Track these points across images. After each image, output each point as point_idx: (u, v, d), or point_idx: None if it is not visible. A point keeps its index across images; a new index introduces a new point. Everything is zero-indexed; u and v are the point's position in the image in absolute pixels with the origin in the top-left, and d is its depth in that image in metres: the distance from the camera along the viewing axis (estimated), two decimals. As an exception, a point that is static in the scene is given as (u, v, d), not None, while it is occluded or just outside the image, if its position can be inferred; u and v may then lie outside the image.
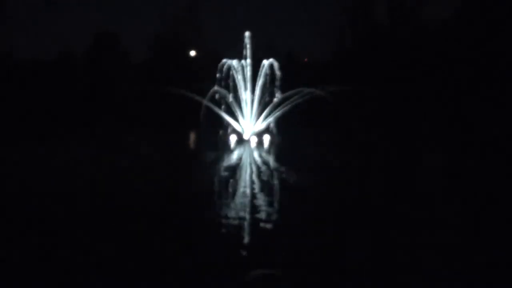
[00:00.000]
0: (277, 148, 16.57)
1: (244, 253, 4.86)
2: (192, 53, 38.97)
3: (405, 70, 30.99)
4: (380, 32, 35.04)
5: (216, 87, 19.93)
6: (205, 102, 19.63)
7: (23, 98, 32.02)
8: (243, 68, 20.37)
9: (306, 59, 40.20)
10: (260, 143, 17.67)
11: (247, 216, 6.37)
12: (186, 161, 13.41)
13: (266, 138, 18.99)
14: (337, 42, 36.75)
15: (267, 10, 71.86)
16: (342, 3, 35.64)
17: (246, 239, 5.40)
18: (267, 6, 74.10)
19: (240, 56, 20.54)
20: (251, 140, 18.28)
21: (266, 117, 19.92)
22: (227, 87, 20.20)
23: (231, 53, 21.32)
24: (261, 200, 7.44)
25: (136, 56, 45.29)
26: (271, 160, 13.34)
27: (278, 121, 19.92)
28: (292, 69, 25.14)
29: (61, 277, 4.15)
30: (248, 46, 20.34)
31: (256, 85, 20.29)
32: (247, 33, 20.49)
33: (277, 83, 19.96)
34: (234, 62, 20.38)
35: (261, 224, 5.91)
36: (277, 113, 19.86)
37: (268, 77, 20.12)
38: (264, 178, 9.70)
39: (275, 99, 19.73)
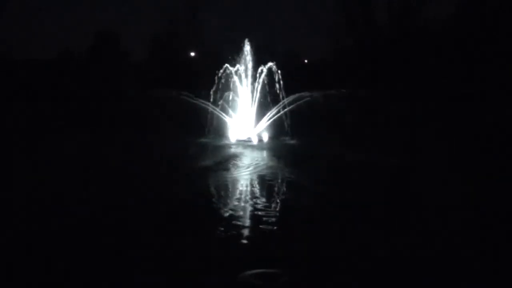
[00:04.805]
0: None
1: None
2: (192, 53, 39.04)
3: (405, 70, 31.06)
4: (380, 32, 35.14)
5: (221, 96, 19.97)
6: (211, 106, 19.64)
7: (22, 98, 32.07)
8: (242, 72, 20.49)
9: (306, 61, 40.30)
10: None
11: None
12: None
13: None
14: (336, 41, 36.84)
15: (267, 9, 72.00)
16: (342, 3, 35.76)
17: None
18: (267, 5, 74.27)
19: (239, 61, 20.69)
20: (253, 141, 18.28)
21: (267, 121, 19.94)
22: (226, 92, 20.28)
23: (231, 54, 21.41)
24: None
25: (136, 56, 45.35)
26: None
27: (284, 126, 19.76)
28: (292, 71, 25.16)
29: None
30: (247, 51, 20.55)
31: (256, 90, 20.35)
32: (246, 40, 20.79)
33: (277, 87, 20.02)
34: (234, 68, 20.44)
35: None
36: (272, 119, 19.87)
37: (267, 82, 20.18)
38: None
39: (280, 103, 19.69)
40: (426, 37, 32.59)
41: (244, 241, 6.04)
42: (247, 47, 20.72)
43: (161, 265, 5.12)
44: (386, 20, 35.63)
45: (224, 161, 13.36)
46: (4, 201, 8.15)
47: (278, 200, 8.81)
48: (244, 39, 21.01)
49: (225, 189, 9.85)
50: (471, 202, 8.32)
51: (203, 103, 19.98)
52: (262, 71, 20.31)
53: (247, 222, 6.95)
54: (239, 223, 6.79)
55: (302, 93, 19.93)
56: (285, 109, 19.84)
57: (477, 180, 10.24)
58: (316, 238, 6.11)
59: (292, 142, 18.62)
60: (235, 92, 20.56)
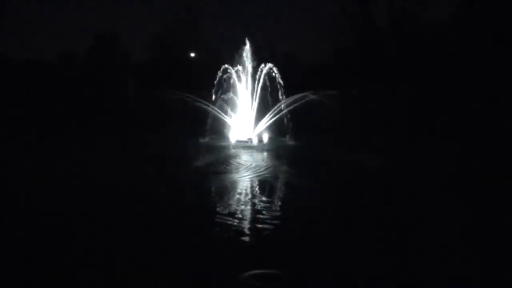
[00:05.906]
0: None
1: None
2: (192, 54, 38.97)
3: (405, 70, 31.08)
4: (380, 32, 35.11)
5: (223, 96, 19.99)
6: (211, 107, 19.66)
7: (23, 99, 32.02)
8: (242, 73, 20.52)
9: (306, 61, 40.16)
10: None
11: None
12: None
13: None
14: (337, 42, 36.78)
15: (267, 9, 71.99)
16: (342, 3, 35.71)
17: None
18: (266, 5, 74.26)
19: (239, 61, 20.72)
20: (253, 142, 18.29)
21: (267, 121, 19.95)
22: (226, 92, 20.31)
23: (231, 54, 21.45)
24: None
25: (137, 57, 45.37)
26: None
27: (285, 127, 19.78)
28: (291, 71, 25.14)
29: None
30: (247, 51, 20.59)
31: (256, 90, 20.35)
32: (247, 40, 20.88)
33: (277, 87, 20.04)
34: (234, 69, 20.46)
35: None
36: (272, 119, 19.87)
37: (267, 82, 20.18)
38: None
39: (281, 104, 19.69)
40: (426, 37, 32.60)
41: (244, 242, 6.07)
42: (247, 46, 20.74)
43: (162, 265, 5.14)
44: (386, 20, 35.63)
45: (224, 162, 13.35)
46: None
47: (278, 201, 8.82)
48: (245, 38, 21.10)
49: (225, 190, 9.83)
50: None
51: (203, 103, 19.99)
52: (262, 71, 20.33)
53: (248, 223, 6.97)
54: (239, 223, 6.81)
55: (302, 94, 19.94)
56: (285, 110, 19.85)
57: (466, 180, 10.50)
58: (317, 239, 6.13)
59: (292, 143, 18.65)
60: (235, 92, 20.58)
